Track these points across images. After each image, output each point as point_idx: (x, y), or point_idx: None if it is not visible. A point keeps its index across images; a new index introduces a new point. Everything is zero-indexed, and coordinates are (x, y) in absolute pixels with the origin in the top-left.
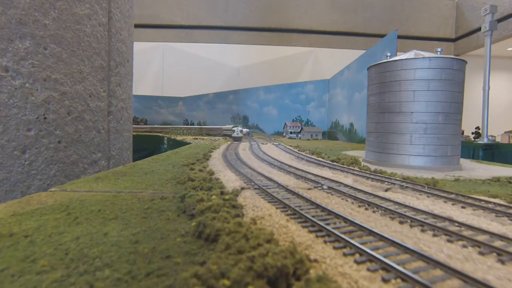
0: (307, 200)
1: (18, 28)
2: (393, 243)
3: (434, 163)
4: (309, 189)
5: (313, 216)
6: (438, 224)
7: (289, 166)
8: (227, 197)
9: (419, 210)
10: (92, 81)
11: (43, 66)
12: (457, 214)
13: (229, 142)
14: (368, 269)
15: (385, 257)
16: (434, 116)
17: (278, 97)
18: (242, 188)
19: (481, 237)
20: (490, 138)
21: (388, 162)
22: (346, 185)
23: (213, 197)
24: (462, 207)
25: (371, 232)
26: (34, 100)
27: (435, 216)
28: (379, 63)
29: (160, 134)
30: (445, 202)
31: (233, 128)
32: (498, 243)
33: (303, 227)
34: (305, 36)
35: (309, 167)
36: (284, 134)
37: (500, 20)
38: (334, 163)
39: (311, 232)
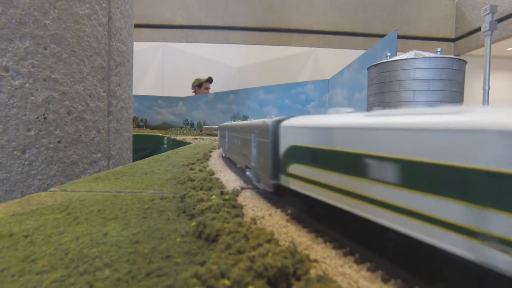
0: None
1: (18, 28)
2: None
3: None
4: None
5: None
6: None
7: None
8: (227, 197)
9: None
10: (92, 81)
11: (43, 66)
12: None
13: None
14: (368, 269)
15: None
16: None
17: (278, 97)
18: (242, 188)
19: None
20: None
21: None
22: None
23: (213, 197)
24: None
25: None
26: (34, 100)
27: None
28: (379, 63)
29: (160, 134)
30: None
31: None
32: None
33: (303, 227)
34: (305, 36)
35: None
36: None
37: (500, 20)
38: None
39: (311, 232)
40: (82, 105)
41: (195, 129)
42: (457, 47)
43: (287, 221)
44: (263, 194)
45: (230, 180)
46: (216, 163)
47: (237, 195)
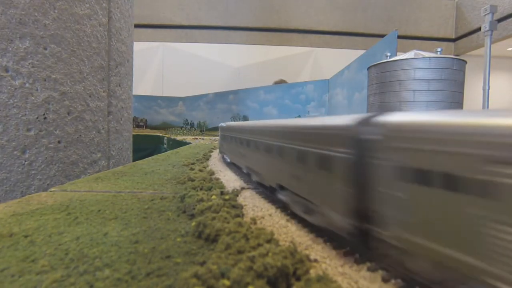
0: None
1: (18, 28)
2: None
3: None
4: None
5: None
6: None
7: None
8: (227, 197)
9: None
10: (92, 81)
11: (43, 66)
12: None
13: None
14: (368, 269)
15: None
16: None
17: (278, 97)
18: (242, 188)
19: None
20: None
21: None
22: None
23: (213, 197)
24: None
25: None
26: (34, 100)
27: None
28: (379, 63)
29: (160, 134)
30: None
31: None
32: None
33: (303, 226)
34: (305, 36)
35: None
36: None
37: (500, 20)
38: None
39: (311, 232)
40: (82, 105)
41: (195, 129)
42: (457, 47)
43: (287, 221)
44: (263, 194)
45: (230, 180)
46: (216, 163)
47: (237, 195)
